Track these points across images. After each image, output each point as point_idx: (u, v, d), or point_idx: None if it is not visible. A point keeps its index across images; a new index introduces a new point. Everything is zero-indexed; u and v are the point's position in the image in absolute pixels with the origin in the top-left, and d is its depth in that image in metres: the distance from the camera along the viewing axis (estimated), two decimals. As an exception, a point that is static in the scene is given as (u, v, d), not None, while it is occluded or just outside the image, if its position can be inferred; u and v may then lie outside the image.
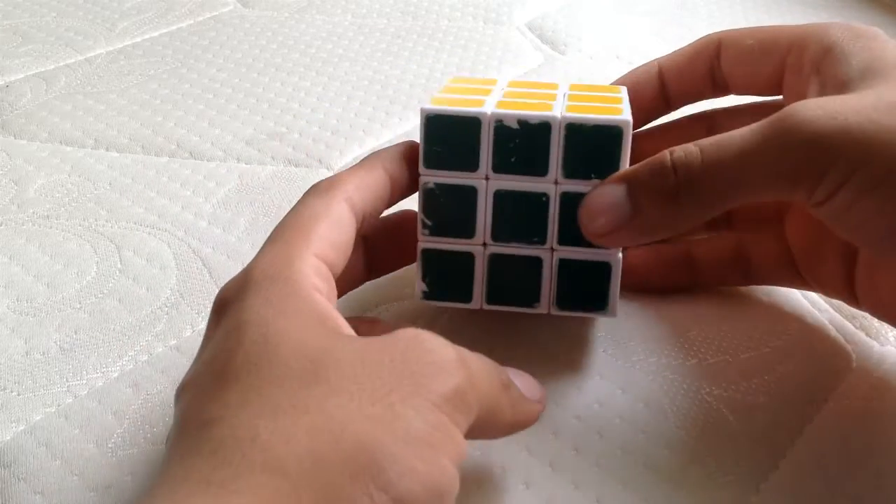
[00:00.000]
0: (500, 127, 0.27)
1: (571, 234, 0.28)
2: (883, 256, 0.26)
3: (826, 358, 0.31)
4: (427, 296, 0.30)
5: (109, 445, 0.28)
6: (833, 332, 0.32)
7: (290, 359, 0.20)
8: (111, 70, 0.53)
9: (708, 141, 0.25)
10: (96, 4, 0.61)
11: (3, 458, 0.28)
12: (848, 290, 0.29)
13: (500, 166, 0.28)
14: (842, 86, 0.25)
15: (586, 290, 0.29)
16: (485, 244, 0.29)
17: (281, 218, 0.39)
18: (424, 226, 0.29)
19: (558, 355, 0.31)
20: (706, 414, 0.29)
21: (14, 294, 0.35)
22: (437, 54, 0.54)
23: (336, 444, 0.19)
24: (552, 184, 0.28)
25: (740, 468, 0.27)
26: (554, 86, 0.31)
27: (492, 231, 0.28)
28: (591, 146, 0.27)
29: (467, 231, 0.29)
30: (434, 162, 0.28)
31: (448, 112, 0.27)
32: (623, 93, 0.30)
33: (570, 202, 0.28)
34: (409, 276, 0.31)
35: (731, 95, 0.32)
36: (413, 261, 0.30)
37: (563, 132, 0.27)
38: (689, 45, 0.31)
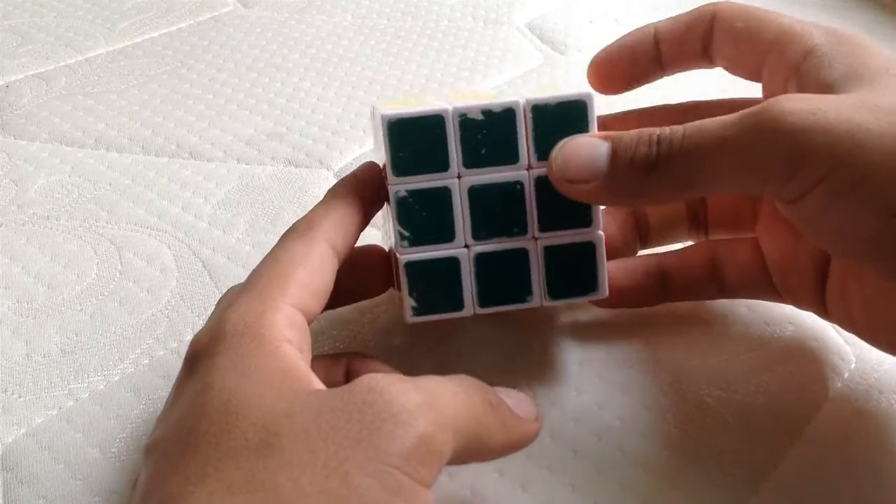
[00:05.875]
0: (465, 120, 0.27)
1: (551, 218, 0.28)
2: (857, 262, 0.26)
3: (826, 358, 0.31)
4: (417, 311, 0.28)
5: (113, 450, 0.28)
6: (833, 333, 0.32)
7: (248, 429, 0.20)
8: (111, 70, 0.53)
9: (692, 124, 0.25)
10: (96, 4, 0.61)
11: (5, 462, 0.28)
12: (819, 302, 0.29)
13: (470, 161, 0.27)
14: (824, 88, 0.25)
15: (575, 274, 0.29)
16: (467, 245, 0.28)
17: (280, 218, 0.39)
18: (402, 237, 0.28)
19: (556, 358, 0.31)
20: (706, 415, 0.29)
21: (14, 295, 0.35)
22: (437, 54, 0.54)
23: None
24: (525, 170, 0.28)
25: (740, 469, 0.27)
26: (503, 92, 0.31)
27: (472, 230, 0.28)
28: (559, 124, 0.27)
29: (447, 235, 0.28)
30: (403, 169, 0.27)
31: (410, 114, 0.26)
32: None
33: (545, 186, 0.27)
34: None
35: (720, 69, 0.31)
36: (370, 296, 0.30)
37: (529, 114, 0.27)
38: (687, 13, 0.31)
